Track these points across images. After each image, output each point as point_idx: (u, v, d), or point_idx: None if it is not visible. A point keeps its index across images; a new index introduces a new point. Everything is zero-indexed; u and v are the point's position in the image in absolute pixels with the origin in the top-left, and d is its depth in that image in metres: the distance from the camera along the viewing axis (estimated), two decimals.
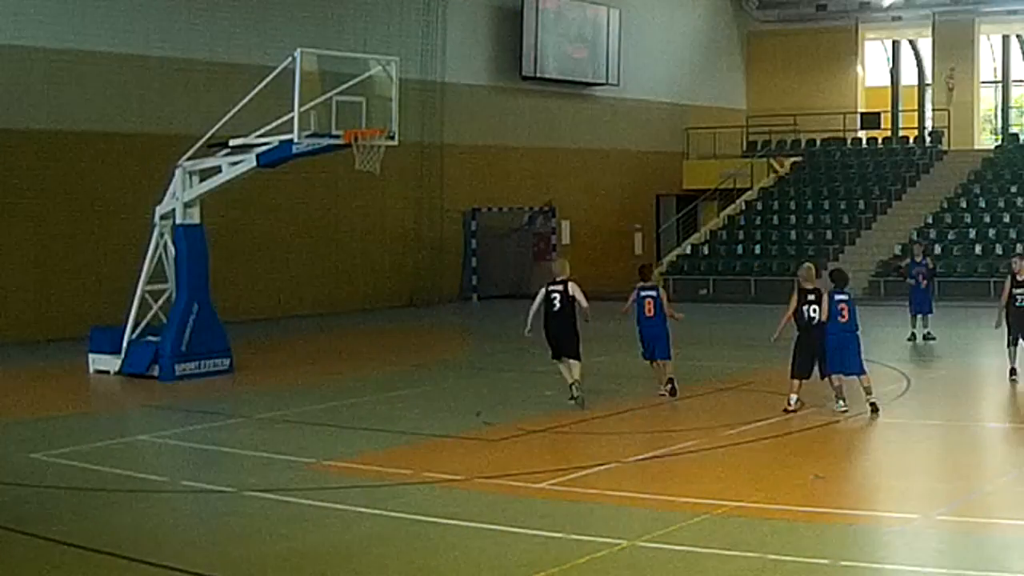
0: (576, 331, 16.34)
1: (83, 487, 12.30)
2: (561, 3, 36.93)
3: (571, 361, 16.32)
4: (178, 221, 19.92)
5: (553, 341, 16.33)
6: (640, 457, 13.04)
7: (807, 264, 16.22)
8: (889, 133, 42.61)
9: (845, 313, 15.51)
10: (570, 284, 16.29)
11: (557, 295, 16.26)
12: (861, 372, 15.52)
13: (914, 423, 15.46)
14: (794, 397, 15.46)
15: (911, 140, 41.64)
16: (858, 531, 10.21)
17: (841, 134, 41.50)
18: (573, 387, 16.07)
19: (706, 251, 37.48)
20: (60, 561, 9.76)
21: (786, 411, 15.36)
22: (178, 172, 19.97)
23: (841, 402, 15.42)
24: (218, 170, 19.80)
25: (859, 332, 15.63)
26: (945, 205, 36.35)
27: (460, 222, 34.01)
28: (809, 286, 15.65)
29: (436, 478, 12.11)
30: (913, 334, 22.95)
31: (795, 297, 15.68)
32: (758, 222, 38.26)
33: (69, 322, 23.96)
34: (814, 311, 15.45)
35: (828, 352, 15.44)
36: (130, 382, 19.37)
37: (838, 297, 15.62)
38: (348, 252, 30.91)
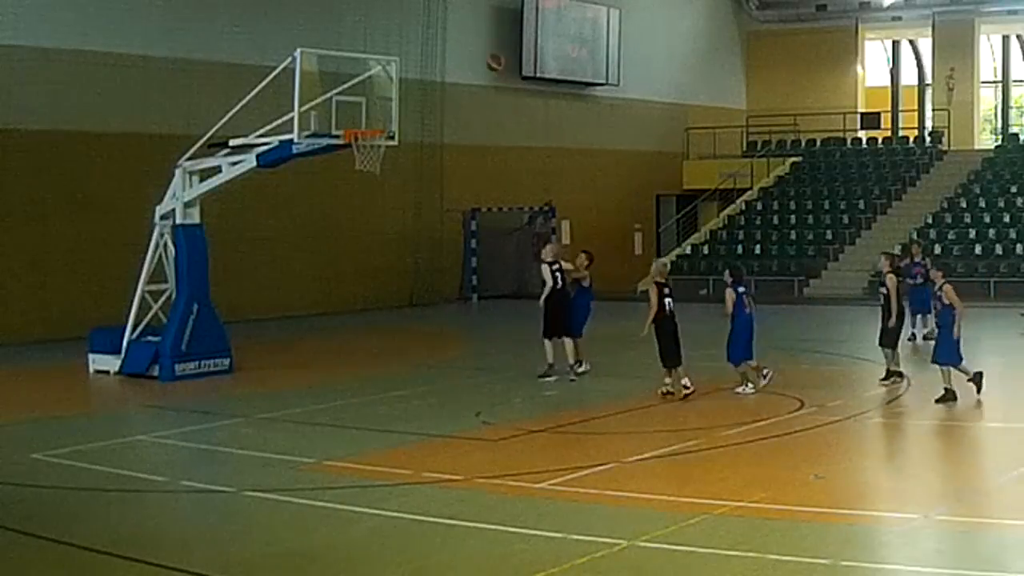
0: (572, 307, 18.53)
1: (83, 487, 12.30)
2: (561, 3, 36.93)
3: (567, 340, 18.30)
4: (178, 221, 19.92)
5: (554, 318, 18.23)
6: (640, 457, 13.03)
7: (663, 260, 17.70)
8: (889, 133, 42.64)
9: (748, 303, 16.99)
10: (562, 262, 18.65)
11: (559, 273, 18.43)
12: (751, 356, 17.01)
13: (914, 423, 15.47)
14: (669, 380, 16.74)
15: (911, 140, 41.66)
16: (858, 531, 10.21)
17: (841, 134, 41.52)
18: (577, 365, 18.24)
19: (706, 251, 37.50)
20: (60, 561, 9.76)
21: (664, 394, 16.64)
22: (178, 172, 19.97)
23: (749, 385, 16.83)
24: (218, 170, 19.80)
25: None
26: (945, 205, 36.37)
27: (460, 222, 34.01)
28: (663, 280, 17.07)
29: (436, 478, 12.11)
30: (913, 334, 22.94)
31: (655, 291, 16.78)
32: (758, 222, 38.29)
33: (69, 322, 23.94)
34: (670, 302, 16.81)
35: (739, 340, 16.91)
36: (130, 382, 19.36)
37: (741, 290, 16.97)
38: (348, 252, 30.90)
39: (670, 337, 16.71)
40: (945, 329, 15.94)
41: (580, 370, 18.44)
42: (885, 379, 17.51)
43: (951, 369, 15.79)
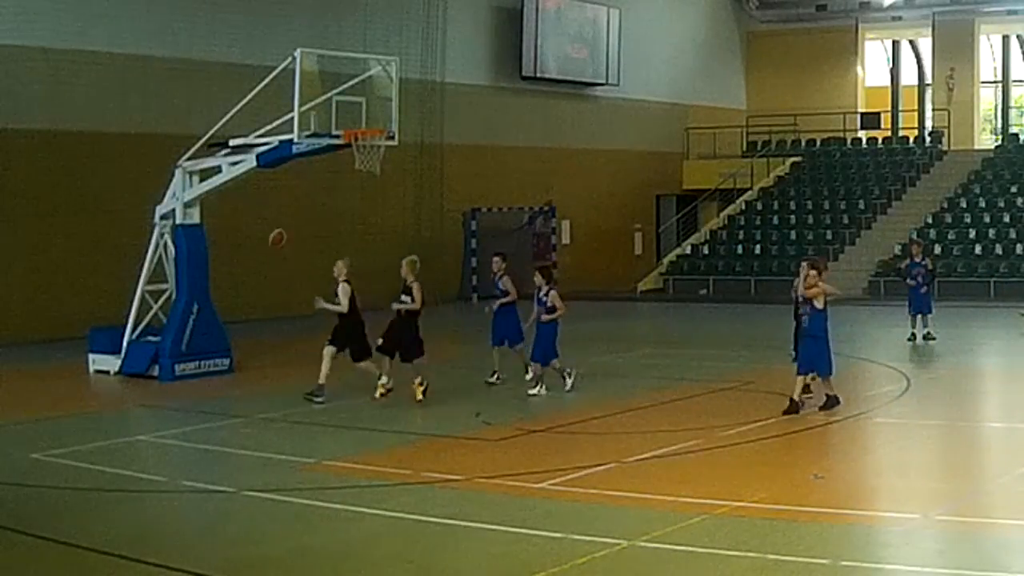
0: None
1: (83, 487, 12.30)
2: (561, 3, 36.94)
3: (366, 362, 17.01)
4: (178, 221, 19.94)
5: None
6: (640, 457, 13.03)
7: (412, 257, 17.18)
8: (889, 133, 42.65)
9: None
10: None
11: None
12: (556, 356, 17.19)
13: (914, 423, 15.46)
14: (385, 378, 16.55)
15: (911, 140, 41.68)
16: (858, 531, 10.21)
17: (841, 134, 41.53)
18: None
19: (706, 251, 37.52)
20: (60, 561, 9.76)
21: (380, 395, 16.39)
22: (178, 172, 19.98)
23: (541, 387, 17.03)
24: (218, 170, 19.80)
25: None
26: (945, 205, 36.39)
27: (460, 222, 34.00)
28: (408, 279, 16.81)
29: (436, 478, 12.11)
30: (913, 334, 22.96)
31: (418, 288, 16.78)
32: (758, 222, 38.30)
33: (69, 322, 23.93)
34: (403, 303, 16.67)
35: (549, 340, 16.99)
36: (130, 382, 19.37)
37: (554, 291, 17.13)
38: (348, 252, 30.57)
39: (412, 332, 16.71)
40: (812, 338, 15.16)
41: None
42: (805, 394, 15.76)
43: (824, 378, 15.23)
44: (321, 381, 16.69)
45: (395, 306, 16.74)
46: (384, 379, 16.63)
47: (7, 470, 12.89)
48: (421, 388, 16.49)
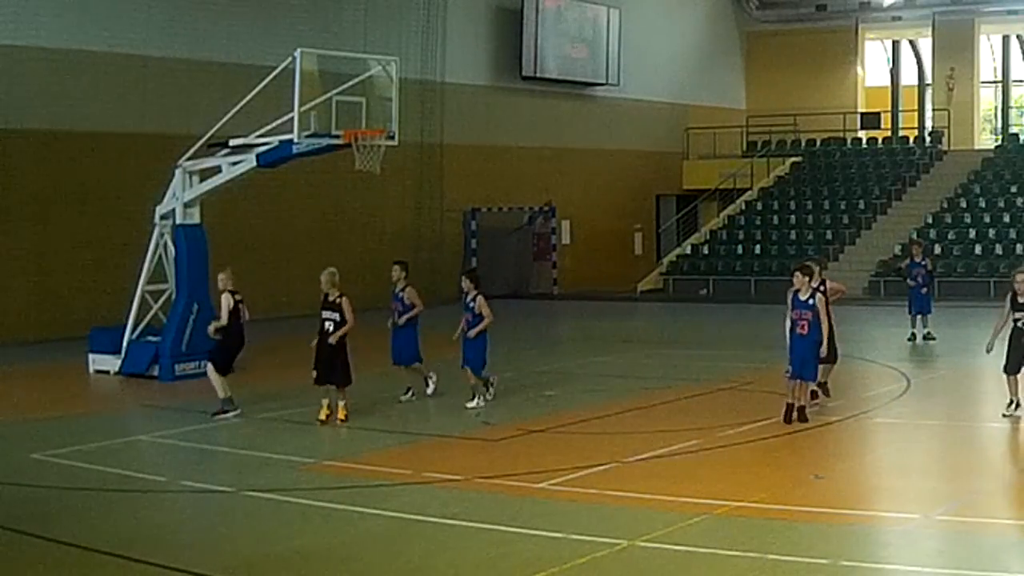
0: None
1: (83, 487, 12.30)
2: (561, 3, 36.95)
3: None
4: (178, 221, 19.95)
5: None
6: (640, 457, 13.03)
7: (331, 269, 15.59)
8: (889, 133, 42.67)
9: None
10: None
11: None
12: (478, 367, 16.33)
13: (914, 423, 15.47)
14: (331, 402, 15.27)
15: (911, 140, 41.70)
16: (858, 531, 10.21)
17: (841, 134, 41.56)
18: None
19: (706, 251, 37.53)
20: (60, 561, 9.76)
21: (336, 421, 15.11)
22: (178, 172, 20.00)
23: (481, 398, 16.24)
24: (218, 170, 19.82)
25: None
26: (945, 205, 36.40)
27: (460, 222, 34.02)
28: (331, 294, 15.29)
29: (436, 478, 12.11)
30: (913, 334, 22.97)
31: (348, 304, 15.41)
32: (758, 222, 38.32)
33: (69, 322, 23.96)
34: (329, 320, 15.17)
35: (480, 349, 16.24)
36: (130, 382, 19.38)
37: (481, 297, 16.40)
38: (348, 252, 30.85)
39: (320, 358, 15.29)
40: (813, 342, 14.61)
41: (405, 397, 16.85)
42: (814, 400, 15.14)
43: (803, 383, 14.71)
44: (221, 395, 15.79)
45: (332, 339, 15.05)
46: (327, 404, 15.35)
47: (7, 470, 12.89)
48: (345, 410, 15.33)
